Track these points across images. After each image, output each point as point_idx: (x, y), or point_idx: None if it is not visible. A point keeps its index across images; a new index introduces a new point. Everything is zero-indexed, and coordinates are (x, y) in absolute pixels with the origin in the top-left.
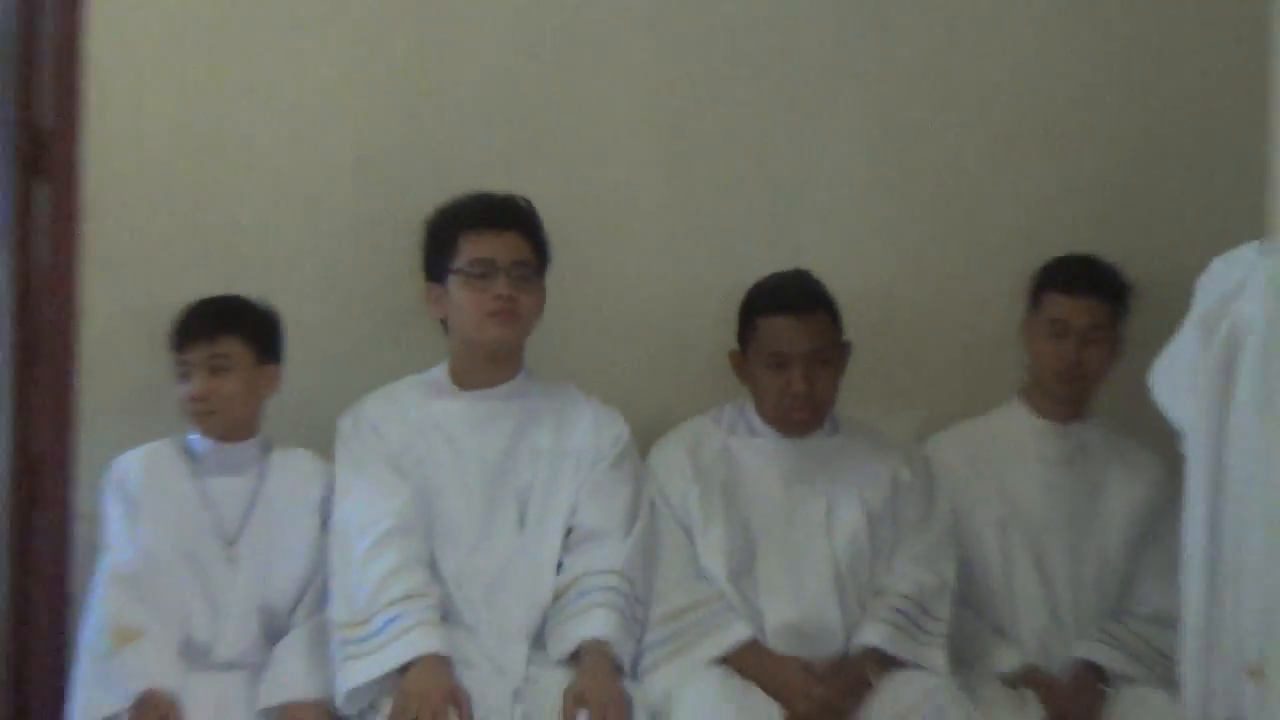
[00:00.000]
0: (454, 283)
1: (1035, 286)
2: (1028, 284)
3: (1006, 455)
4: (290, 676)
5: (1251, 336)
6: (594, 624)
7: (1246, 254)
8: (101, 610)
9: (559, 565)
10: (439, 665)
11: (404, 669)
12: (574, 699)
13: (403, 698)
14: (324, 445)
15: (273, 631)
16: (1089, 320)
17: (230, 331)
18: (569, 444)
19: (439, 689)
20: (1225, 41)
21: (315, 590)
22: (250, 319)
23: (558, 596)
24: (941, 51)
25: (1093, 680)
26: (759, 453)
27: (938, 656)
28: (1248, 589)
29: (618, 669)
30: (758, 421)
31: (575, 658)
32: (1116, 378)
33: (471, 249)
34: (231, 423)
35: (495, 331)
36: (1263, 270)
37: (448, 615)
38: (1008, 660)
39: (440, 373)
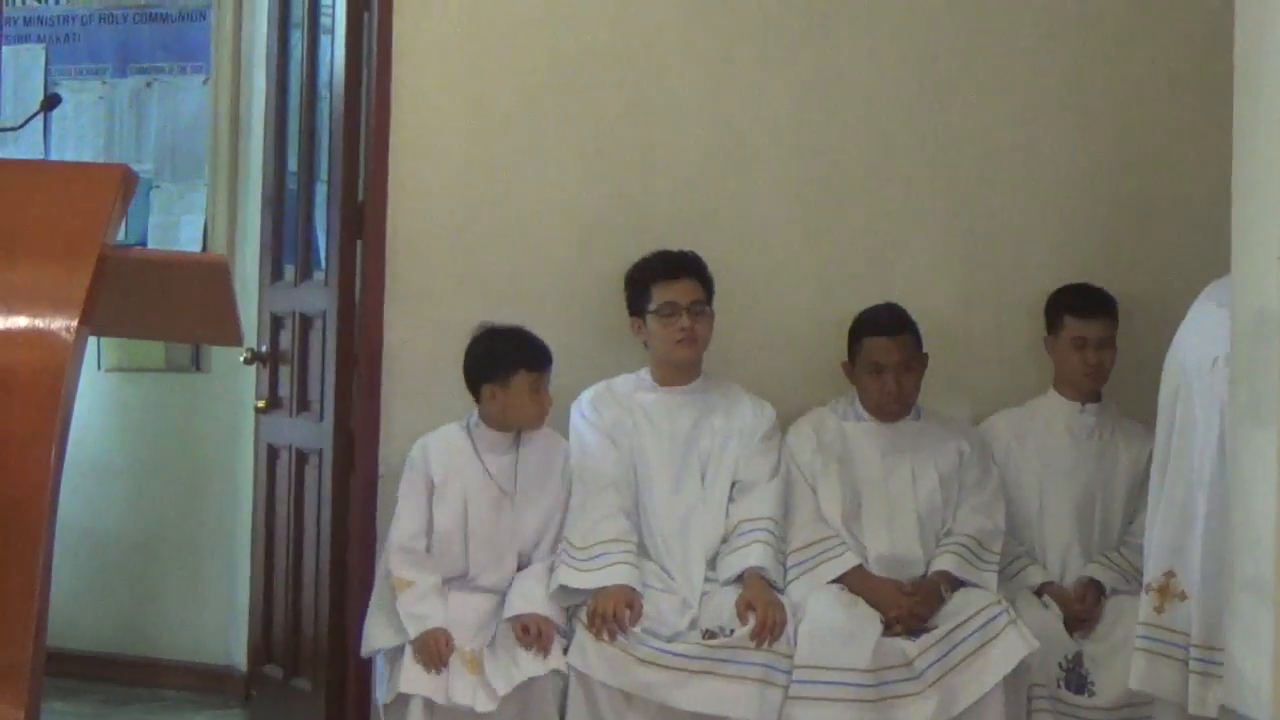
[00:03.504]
0: (650, 319)
1: (1053, 311)
2: (1044, 309)
3: (1045, 430)
4: (526, 596)
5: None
6: (755, 555)
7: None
8: (385, 566)
9: (728, 511)
10: (624, 587)
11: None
12: (745, 605)
13: (595, 600)
14: (561, 425)
15: (521, 565)
16: (1101, 334)
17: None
18: (734, 424)
19: (620, 594)
20: (1199, 90)
21: (551, 534)
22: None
23: (727, 534)
24: (990, 117)
25: (1095, 591)
26: (863, 433)
27: (991, 580)
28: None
29: (773, 586)
30: (862, 411)
31: (740, 579)
32: (1117, 372)
33: (660, 294)
34: None
35: (682, 354)
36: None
37: (643, 549)
38: (1036, 577)
39: (645, 374)
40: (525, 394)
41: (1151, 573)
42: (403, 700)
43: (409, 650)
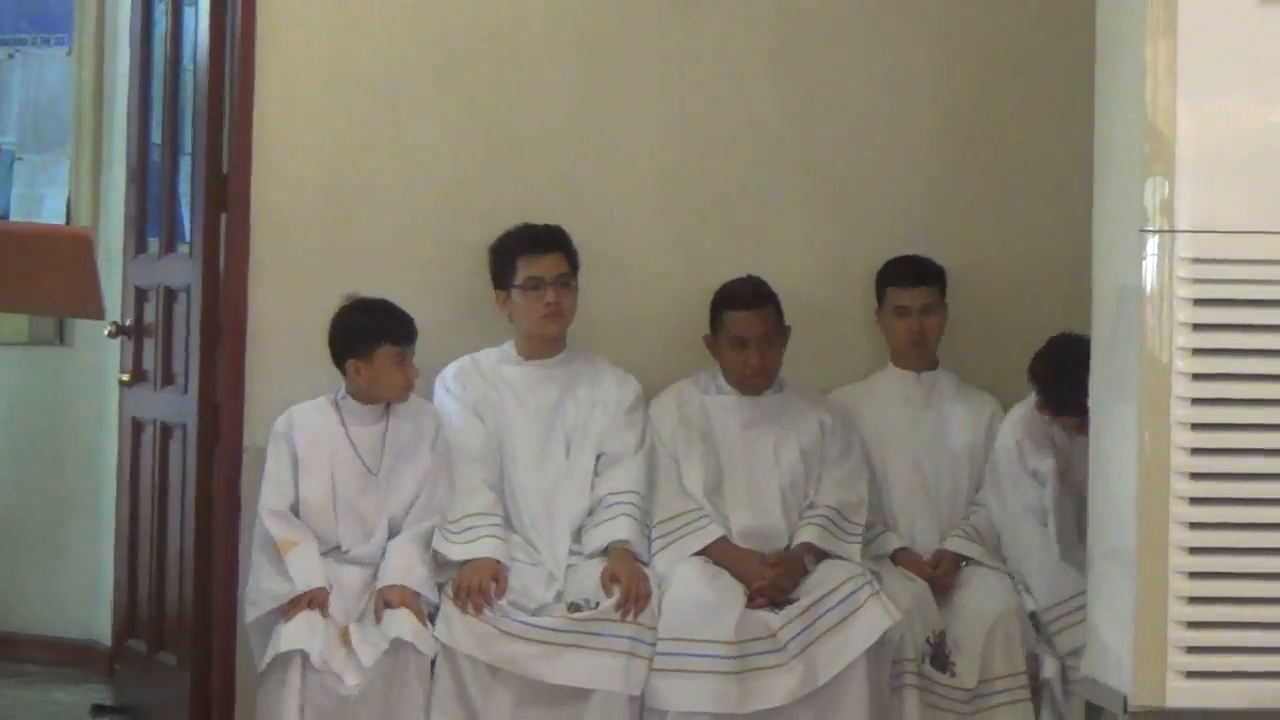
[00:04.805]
0: (516, 293)
1: (878, 285)
2: (874, 282)
3: (882, 402)
4: (391, 567)
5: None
6: (619, 528)
7: None
8: (263, 528)
9: (593, 484)
10: (490, 561)
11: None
12: (610, 577)
13: (460, 574)
14: (428, 396)
15: (393, 536)
16: (922, 301)
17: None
18: (599, 397)
19: (486, 568)
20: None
21: (422, 504)
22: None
23: (592, 508)
24: (854, 89)
25: (950, 560)
26: (725, 407)
27: (855, 551)
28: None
29: (637, 558)
30: (724, 384)
31: (605, 552)
32: (958, 340)
33: (525, 268)
34: None
35: (548, 328)
36: None
37: (509, 523)
38: (892, 543)
39: (509, 348)
40: (390, 367)
41: None
42: (280, 663)
43: (289, 612)
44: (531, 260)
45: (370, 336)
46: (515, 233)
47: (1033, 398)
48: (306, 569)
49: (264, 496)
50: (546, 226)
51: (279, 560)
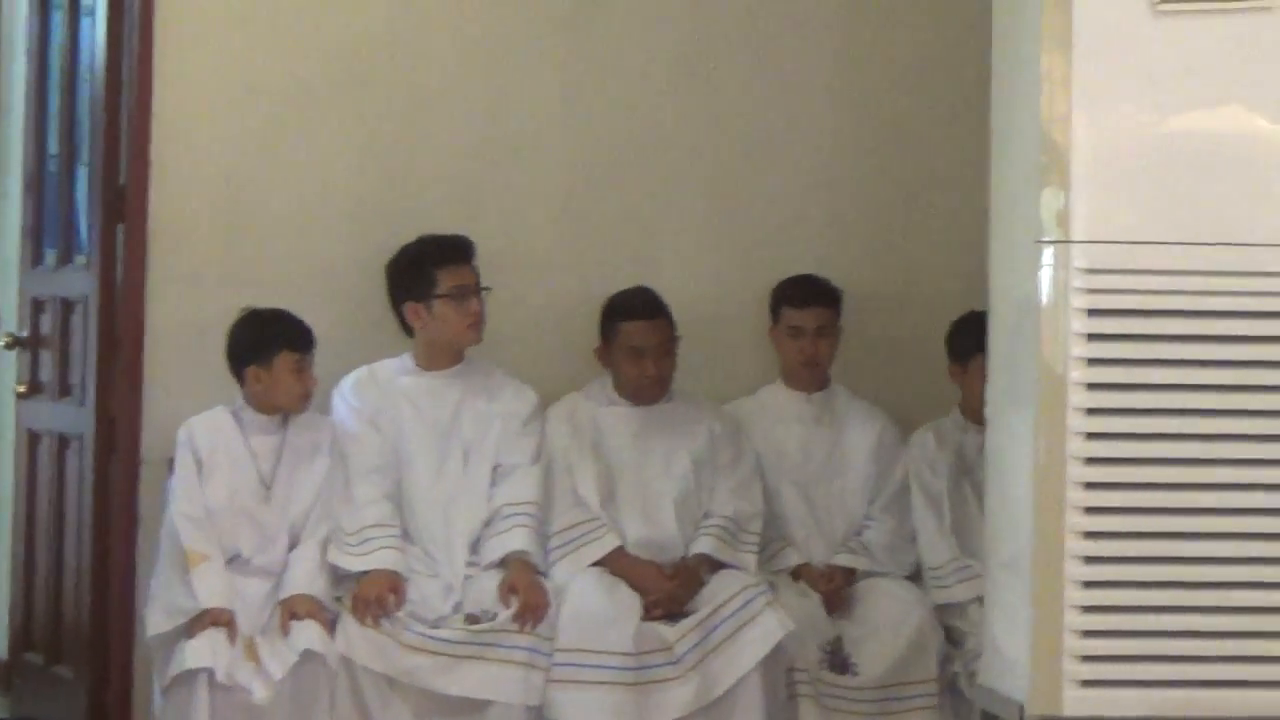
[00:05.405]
0: (439, 304)
1: (773, 303)
2: (769, 300)
3: (773, 420)
4: (293, 578)
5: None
6: (517, 539)
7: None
8: (175, 538)
9: (490, 495)
10: (388, 572)
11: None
12: (508, 588)
13: (359, 586)
14: (325, 408)
15: (293, 546)
16: (817, 323)
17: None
18: (496, 408)
19: (383, 580)
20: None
21: (318, 513)
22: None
23: (489, 518)
24: (753, 103)
25: (841, 574)
26: (616, 418)
27: (750, 561)
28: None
29: (535, 569)
30: (614, 395)
31: (502, 564)
32: (852, 358)
33: (448, 278)
34: None
35: (471, 338)
36: None
37: (406, 534)
38: (792, 559)
39: (407, 359)
40: (288, 374)
41: None
42: (185, 680)
43: (193, 629)
44: (454, 270)
45: (269, 343)
46: (434, 241)
47: (938, 421)
48: (212, 587)
49: (177, 502)
50: (462, 237)
51: (185, 572)
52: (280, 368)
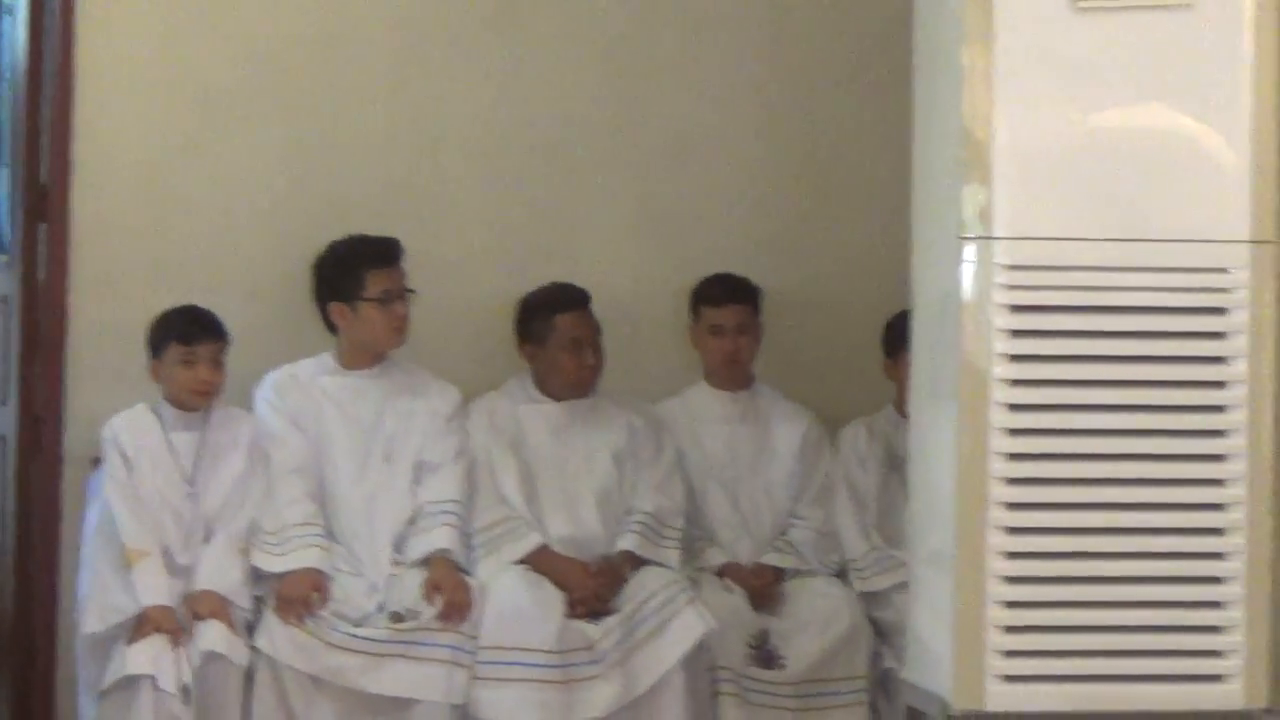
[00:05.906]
0: (366, 306)
1: (693, 302)
2: (688, 299)
3: (698, 420)
4: (203, 573)
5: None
6: (440, 538)
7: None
8: (109, 535)
9: (413, 493)
10: (312, 571)
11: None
12: (431, 587)
13: (282, 585)
14: (246, 405)
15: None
16: (736, 321)
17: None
18: (419, 406)
19: (307, 578)
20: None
21: (233, 509)
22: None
23: (413, 516)
24: (678, 102)
25: (770, 573)
26: (536, 414)
27: (673, 557)
28: None
29: (458, 568)
30: (535, 392)
31: (426, 562)
32: (777, 357)
33: (377, 282)
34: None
35: (397, 340)
36: None
37: (330, 533)
38: (714, 558)
39: (327, 358)
40: (176, 365)
41: None
42: (126, 685)
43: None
44: (382, 274)
45: (161, 336)
46: (362, 244)
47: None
48: (152, 585)
49: (114, 500)
50: (392, 239)
51: (123, 571)
52: (169, 360)
